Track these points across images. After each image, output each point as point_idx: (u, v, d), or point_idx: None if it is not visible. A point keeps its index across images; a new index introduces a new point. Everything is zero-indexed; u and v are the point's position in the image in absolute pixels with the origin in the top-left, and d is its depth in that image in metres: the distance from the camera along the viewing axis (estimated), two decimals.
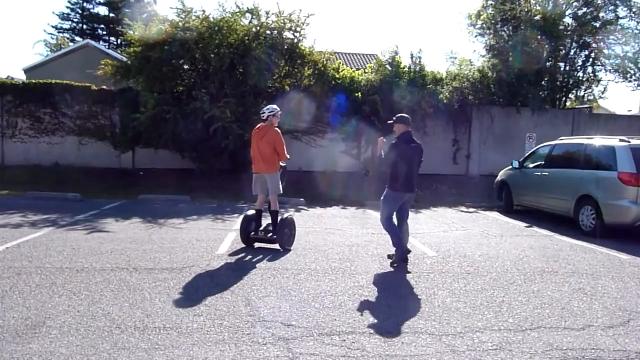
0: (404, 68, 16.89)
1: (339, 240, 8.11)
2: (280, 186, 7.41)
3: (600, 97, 23.80)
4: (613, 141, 9.28)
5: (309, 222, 9.81)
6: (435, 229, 9.47)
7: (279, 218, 7.31)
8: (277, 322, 4.47)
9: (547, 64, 19.33)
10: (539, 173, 10.85)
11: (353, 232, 8.83)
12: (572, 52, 20.36)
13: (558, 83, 20.18)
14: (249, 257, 6.84)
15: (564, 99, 20.91)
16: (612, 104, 76.64)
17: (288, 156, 7.43)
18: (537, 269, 6.62)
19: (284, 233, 7.25)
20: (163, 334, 4.11)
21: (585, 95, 23.12)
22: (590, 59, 20.50)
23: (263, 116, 7.33)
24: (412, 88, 16.18)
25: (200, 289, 5.34)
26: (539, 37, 18.76)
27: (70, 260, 6.32)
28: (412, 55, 17.27)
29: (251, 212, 7.58)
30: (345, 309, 4.88)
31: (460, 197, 13.76)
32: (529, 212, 11.54)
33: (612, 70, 20.57)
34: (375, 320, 4.60)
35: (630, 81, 20.52)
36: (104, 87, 15.67)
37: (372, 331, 4.33)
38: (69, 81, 15.71)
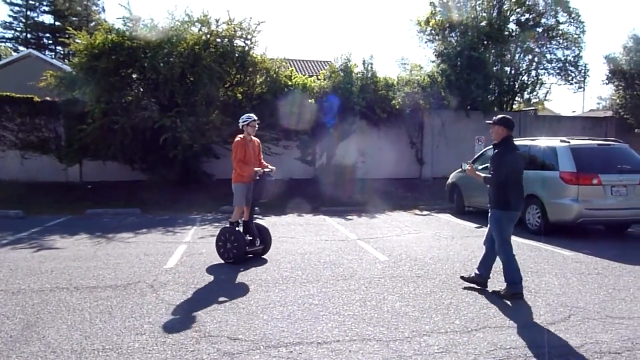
0: (356, 74, 17.06)
1: (292, 248, 8.06)
2: (242, 199, 7.15)
3: (545, 100, 24.79)
4: (555, 142, 9.61)
5: None
6: (389, 234, 9.54)
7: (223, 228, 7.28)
8: (223, 336, 4.37)
9: (494, 68, 19.95)
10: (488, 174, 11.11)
11: (306, 240, 8.79)
12: (517, 56, 21.11)
13: (505, 87, 20.84)
14: (199, 270, 6.68)
15: (511, 102, 21.60)
16: (557, 105, 79.88)
17: (257, 169, 7.05)
18: None
19: (221, 245, 7.12)
20: (102, 356, 3.94)
21: (531, 98, 23.98)
22: (534, 63, 21.35)
23: (240, 126, 7.17)
24: (365, 94, 16.37)
25: (144, 306, 5.16)
26: (485, 42, 19.37)
27: (6, 282, 6.01)
28: (364, 61, 17.48)
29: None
30: (294, 319, 4.82)
31: (415, 201, 13.95)
32: (480, 213, 11.77)
33: (554, 74, 21.45)
34: (324, 330, 4.55)
35: (572, 83, 21.46)
36: (48, 98, 15.10)
37: (320, 341, 4.29)
38: (9, 93, 15.05)
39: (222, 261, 7.08)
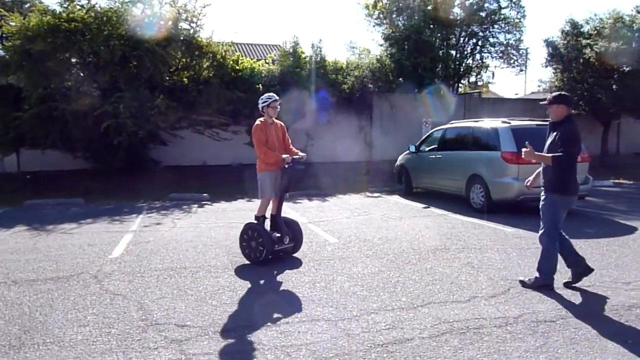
0: (305, 58, 16.98)
1: None
2: (269, 190, 6.29)
3: (489, 82, 25.56)
4: (497, 123, 9.93)
5: (212, 217, 9.59)
6: (339, 216, 9.63)
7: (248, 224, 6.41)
8: (170, 324, 4.31)
9: (440, 52, 20.35)
10: (434, 156, 11.40)
11: None
12: (461, 40, 21.56)
13: (451, 70, 21.29)
14: (146, 259, 6.54)
15: (457, 84, 22.11)
16: (500, 88, 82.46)
17: (284, 156, 6.14)
18: (431, 248, 6.95)
19: (245, 243, 6.33)
20: (42, 350, 3.81)
21: (477, 80, 24.67)
22: (478, 47, 21.86)
23: (259, 107, 6.36)
24: (315, 78, 16.34)
25: (88, 297, 5.01)
26: (431, 26, 19.69)
27: None
28: (313, 45, 17.44)
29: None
30: (244, 303, 4.81)
31: (365, 183, 14.12)
32: (427, 193, 12.11)
33: (497, 57, 22.10)
34: (274, 312, 4.57)
35: (513, 66, 22.23)
36: None
37: (269, 323, 4.30)
38: None
39: (174, 247, 6.96)
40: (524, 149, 5.35)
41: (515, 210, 9.49)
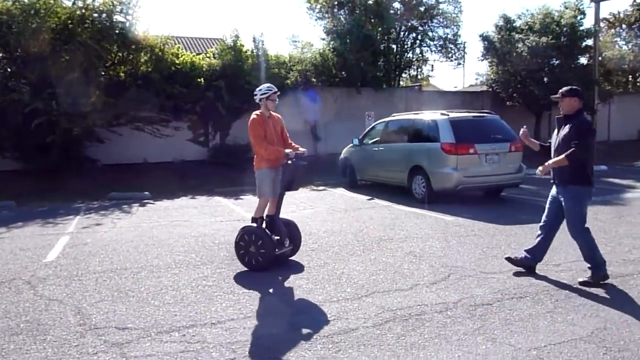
0: (246, 52, 16.79)
1: (186, 232, 7.85)
2: (268, 188, 5.81)
3: (429, 76, 26.22)
4: (436, 115, 10.21)
5: (154, 216, 9.35)
6: (285, 210, 9.51)
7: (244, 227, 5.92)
8: (110, 327, 4.17)
9: (382, 46, 20.66)
10: (377, 148, 11.59)
11: (201, 222, 8.60)
12: (402, 34, 21.98)
13: (392, 64, 21.67)
14: (83, 261, 6.29)
15: (398, 78, 22.54)
16: (440, 81, 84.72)
17: (287, 151, 5.79)
18: (375, 238, 7.08)
19: (243, 246, 5.75)
20: None
21: (417, 74, 25.26)
22: (418, 41, 22.37)
23: (256, 99, 5.88)
24: (257, 72, 16.19)
25: (21, 304, 4.76)
26: (372, 20, 19.95)
27: None
28: (254, 39, 17.24)
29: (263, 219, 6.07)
30: (187, 302, 4.73)
31: (310, 177, 14.15)
32: (371, 185, 12.30)
33: (436, 51, 22.69)
34: (219, 310, 4.52)
35: (452, 60, 22.89)
36: None
37: (214, 321, 4.25)
38: None
39: (113, 248, 6.73)
40: (521, 131, 5.64)
41: (454, 199, 9.81)
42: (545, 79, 19.15)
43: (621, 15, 29.06)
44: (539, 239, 5.41)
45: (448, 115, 9.94)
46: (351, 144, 12.74)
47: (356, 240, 7.00)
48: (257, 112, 5.89)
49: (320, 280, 5.30)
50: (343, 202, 10.53)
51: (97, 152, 14.80)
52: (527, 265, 5.40)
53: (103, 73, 13.99)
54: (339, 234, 7.47)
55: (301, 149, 6.02)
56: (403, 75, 24.31)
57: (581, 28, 19.63)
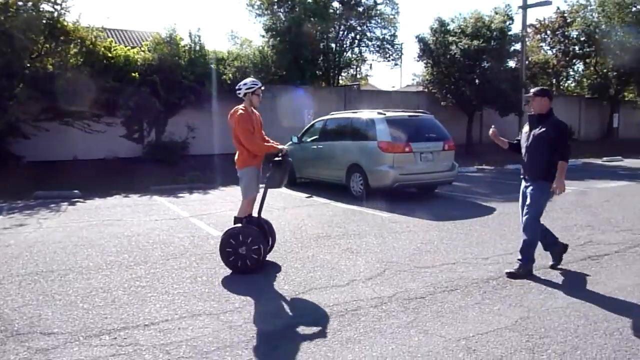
0: (184, 47, 16.42)
1: (118, 231, 7.57)
2: (255, 187, 5.66)
3: (367, 75, 26.66)
4: (373, 114, 10.40)
5: (85, 215, 8.94)
6: (222, 209, 9.49)
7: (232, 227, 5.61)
8: (35, 332, 3.96)
9: (321, 44, 20.80)
10: (315, 146, 11.65)
11: (135, 222, 8.32)
12: (341, 34, 22.22)
13: (331, 62, 21.87)
14: (6, 264, 5.92)
15: (337, 77, 22.76)
16: (379, 81, 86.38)
17: (281, 147, 5.74)
18: (313, 236, 7.13)
19: (230, 251, 5.41)
20: None
21: (356, 73, 25.63)
22: (357, 41, 22.69)
23: (239, 93, 5.59)
24: (194, 67, 15.87)
25: None
26: (312, 19, 20.02)
27: None
28: (190, 34, 16.88)
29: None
30: (119, 304, 4.57)
31: None
32: (311, 183, 12.35)
33: (374, 51, 23.11)
34: (152, 311, 4.39)
35: (389, 60, 23.37)
36: None
37: (147, 323, 4.13)
38: None
39: (34, 250, 6.38)
40: (491, 131, 5.82)
41: (391, 196, 10.03)
42: (477, 81, 19.98)
43: (546, 22, 30.83)
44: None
45: (385, 114, 10.15)
46: (290, 142, 12.72)
47: (294, 238, 7.02)
48: (241, 106, 5.60)
49: (257, 278, 5.28)
50: (282, 199, 10.52)
51: (22, 148, 13.99)
52: (557, 253, 5.56)
53: (28, 65, 13.22)
54: (276, 232, 7.43)
55: (280, 146, 5.87)
56: (342, 74, 24.60)
57: (510, 33, 20.62)
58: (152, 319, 4.22)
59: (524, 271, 5.25)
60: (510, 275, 5.23)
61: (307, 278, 5.25)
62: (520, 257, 5.30)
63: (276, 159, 5.65)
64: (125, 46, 16.38)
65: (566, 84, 33.29)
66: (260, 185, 5.81)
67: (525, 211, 5.36)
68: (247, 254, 5.38)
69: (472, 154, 19.19)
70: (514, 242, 6.60)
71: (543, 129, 5.25)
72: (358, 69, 24.76)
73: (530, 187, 5.35)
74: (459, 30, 20.63)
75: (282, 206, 9.67)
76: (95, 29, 14.51)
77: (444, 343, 3.73)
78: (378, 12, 22.57)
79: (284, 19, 20.25)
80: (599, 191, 11.19)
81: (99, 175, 13.20)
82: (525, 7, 21.08)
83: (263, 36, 20.86)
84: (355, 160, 10.20)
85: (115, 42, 16.12)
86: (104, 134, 14.90)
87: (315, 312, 4.33)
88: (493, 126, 5.89)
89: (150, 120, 15.90)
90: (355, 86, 23.26)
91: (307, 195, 10.93)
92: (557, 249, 5.59)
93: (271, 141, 5.93)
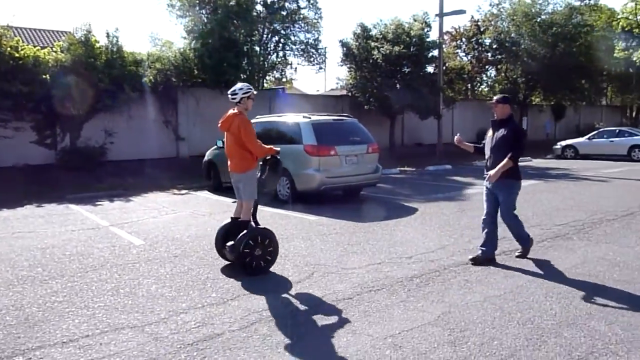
0: (100, 48, 15.65)
1: (31, 244, 7.09)
2: (256, 189, 5.71)
3: (292, 79, 26.76)
4: (299, 118, 10.47)
5: None
6: (145, 216, 9.16)
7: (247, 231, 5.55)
8: None
9: (245, 47, 20.61)
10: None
11: (49, 233, 7.83)
12: (265, 37, 22.15)
13: (256, 66, 21.74)
14: None
15: (262, 80, 22.66)
16: (304, 84, 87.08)
17: (277, 149, 5.90)
18: None
19: (246, 251, 5.41)
20: None
21: (281, 76, 25.65)
22: (281, 44, 22.71)
23: (234, 98, 5.57)
24: (111, 69, 15.17)
25: None
26: (234, 21, 19.81)
27: None
28: (108, 34, 16.11)
29: (227, 221, 5.98)
30: (33, 322, 4.28)
31: (173, 181, 13.65)
32: None
33: (298, 55, 23.25)
34: (71, 327, 4.16)
35: (313, 64, 23.59)
36: None
37: (65, 340, 3.91)
38: None
39: None
40: (456, 138, 6.43)
41: (317, 199, 10.14)
42: (398, 85, 20.65)
43: (461, 29, 32.49)
44: (486, 231, 5.99)
45: (310, 118, 10.25)
46: (215, 146, 12.53)
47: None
48: (235, 110, 5.63)
49: (184, 287, 5.15)
50: (208, 205, 10.33)
51: None
52: (490, 258, 5.92)
53: None
54: (203, 238, 7.32)
55: (276, 148, 6.07)
56: (267, 77, 24.53)
57: (428, 40, 21.50)
58: (71, 335, 4.00)
59: (526, 249, 6.06)
60: (519, 256, 6.03)
61: (235, 285, 5.19)
62: (520, 242, 6.06)
63: (272, 159, 5.83)
64: (35, 46, 15.36)
65: (480, 89, 35.23)
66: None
67: (500, 212, 5.99)
68: (262, 255, 5.53)
69: (395, 156, 19.79)
70: (435, 241, 6.91)
71: (504, 132, 5.82)
72: (283, 73, 24.80)
73: (497, 188, 5.91)
74: (381, 36, 21.24)
75: (208, 212, 9.49)
76: (0, 27, 13.51)
77: (371, 342, 3.83)
78: (301, 16, 22.73)
79: (206, 20, 19.86)
80: None
81: (8, 184, 12.29)
82: (441, 15, 22.07)
83: (185, 38, 20.35)
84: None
85: (24, 42, 15.08)
86: (12, 140, 13.91)
87: (244, 318, 4.30)
88: (458, 134, 6.48)
89: (64, 124, 15.01)
90: (280, 90, 23.27)
91: (233, 200, 10.72)
92: (490, 255, 6.00)
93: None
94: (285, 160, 10.02)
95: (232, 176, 5.83)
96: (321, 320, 4.24)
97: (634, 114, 43.60)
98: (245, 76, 20.89)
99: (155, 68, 17.00)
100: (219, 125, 5.75)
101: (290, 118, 10.84)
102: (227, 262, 5.95)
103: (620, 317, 4.22)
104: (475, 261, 5.83)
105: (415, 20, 21.79)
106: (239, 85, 5.73)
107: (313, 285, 5.12)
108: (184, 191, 12.43)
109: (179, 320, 4.29)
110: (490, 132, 6.06)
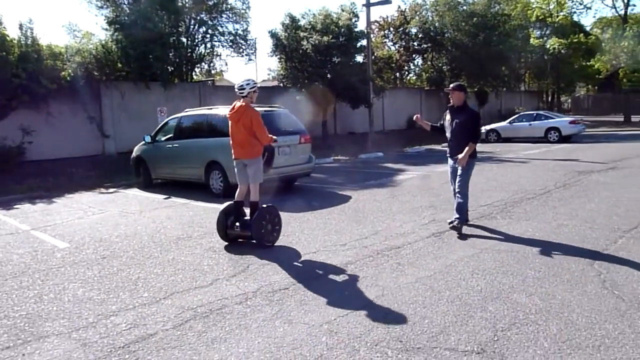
0: (12, 40, 14.65)
1: None
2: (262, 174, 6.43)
3: (222, 71, 26.30)
4: (229, 110, 10.27)
5: None
6: (70, 217, 8.72)
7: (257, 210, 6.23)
8: None
9: (171, 39, 19.98)
10: (171, 145, 11.22)
11: None
12: (192, 28, 21.57)
13: (183, 58, 21.16)
14: None
15: (190, 72, 22.10)
16: (235, 76, 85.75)
17: (275, 138, 6.57)
18: (173, 238, 6.89)
19: (261, 226, 6.20)
20: None
21: (210, 68, 25.12)
22: (209, 35, 22.21)
23: (242, 92, 6.26)
24: (26, 64, 14.25)
25: None
26: (159, 12, 19.13)
27: None
28: (21, 25, 15.11)
29: (229, 203, 6.58)
30: None
31: (99, 179, 13.06)
32: (168, 184, 11.91)
33: (227, 46, 22.85)
34: None
35: (243, 55, 23.26)
36: None
37: None
38: None
39: None
40: (415, 116, 7.18)
41: None
42: (329, 75, 20.79)
43: (389, 19, 33.14)
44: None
45: None
46: (142, 142, 12.11)
47: (153, 242, 6.71)
48: (242, 103, 6.32)
49: (114, 288, 4.96)
50: (137, 203, 9.98)
51: None
52: (465, 221, 6.69)
53: None
54: (133, 237, 7.06)
55: (274, 137, 6.70)
56: (196, 69, 23.95)
57: (356, 30, 21.76)
58: None
59: (461, 225, 6.48)
60: (453, 227, 6.48)
61: (168, 282, 5.07)
62: (457, 215, 6.49)
63: (272, 146, 6.63)
64: None
65: (408, 77, 36.20)
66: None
67: (457, 183, 6.68)
68: (271, 230, 6.34)
69: (328, 146, 19.96)
70: (368, 227, 7.05)
71: (464, 118, 6.55)
72: (212, 64, 24.30)
73: (456, 164, 6.69)
74: (310, 26, 21.25)
75: (138, 210, 9.17)
76: None
77: (307, 330, 3.86)
78: (229, 6, 22.33)
79: (128, 11, 19.06)
80: (439, 174, 12.37)
81: None
82: (368, 5, 22.38)
83: (106, 29, 19.40)
84: (213, 157, 10.03)
85: None
86: None
87: (178, 316, 4.20)
88: (417, 115, 7.28)
89: None
90: (210, 82, 22.80)
91: (164, 196, 10.50)
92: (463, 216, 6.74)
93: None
94: (217, 153, 9.95)
95: (238, 162, 6.48)
96: (257, 312, 4.22)
97: (549, 98, 46.49)
98: (172, 68, 20.32)
99: (75, 61, 16.13)
100: (228, 115, 6.48)
101: (220, 110, 10.63)
102: (157, 260, 5.79)
103: (539, 289, 4.50)
104: (455, 227, 6.49)
105: (343, 11, 21.96)
106: (245, 80, 6.37)
107: (249, 278, 5.09)
108: (111, 190, 11.93)
109: (109, 323, 4.13)
110: (448, 117, 6.79)
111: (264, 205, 6.36)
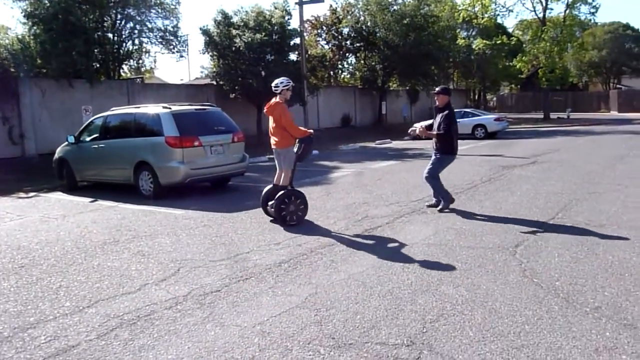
0: None
1: None
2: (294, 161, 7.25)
3: (152, 68, 25.45)
4: (158, 109, 9.97)
5: None
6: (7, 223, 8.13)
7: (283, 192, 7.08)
8: None
9: (96, 34, 19.11)
10: (97, 146, 10.71)
11: None
12: (118, 23, 20.73)
13: (109, 54, 20.29)
14: None
15: (117, 69, 21.23)
16: (166, 74, 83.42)
17: (311, 130, 7.49)
18: (99, 243, 6.57)
19: (281, 208, 6.97)
20: None
21: (139, 65, 24.24)
22: (136, 31, 21.43)
23: (277, 90, 7.11)
24: None
25: None
26: (82, 5, 18.22)
27: None
28: None
29: (269, 187, 7.54)
30: None
31: (18, 183, 12.27)
32: (94, 186, 11.37)
33: (157, 43, 22.15)
34: None
35: (173, 52, 22.62)
36: None
37: None
38: None
39: None
40: (418, 130, 8.22)
41: (184, 192, 9.81)
42: (263, 73, 20.60)
43: (321, 18, 33.35)
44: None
45: (170, 108, 9.81)
46: (66, 142, 11.49)
47: (77, 248, 6.37)
48: (278, 99, 7.14)
49: (32, 299, 4.66)
50: (60, 207, 9.45)
51: None
52: (451, 200, 7.64)
53: None
54: (55, 243, 6.68)
55: (309, 130, 7.60)
56: (124, 66, 23.05)
57: (289, 28, 21.73)
58: None
59: (446, 205, 7.51)
60: (440, 210, 7.44)
61: (93, 290, 4.82)
62: (439, 197, 7.60)
63: (307, 139, 7.26)
64: None
65: (342, 76, 36.61)
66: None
67: (427, 168, 7.71)
68: (295, 210, 7.08)
69: (262, 145, 19.79)
70: (304, 226, 7.05)
71: (442, 117, 7.46)
72: (141, 61, 23.45)
73: (437, 156, 7.66)
74: (242, 24, 21.00)
75: (61, 214, 8.68)
76: None
77: (240, 332, 3.80)
78: (158, 1, 21.62)
79: (48, 4, 17.98)
80: (372, 171, 12.61)
81: None
82: (301, 3, 22.43)
83: (24, 23, 18.24)
84: (142, 157, 9.68)
85: None
86: None
87: (102, 325, 4.00)
88: (419, 127, 8.34)
89: None
90: (138, 79, 22.00)
91: (90, 199, 9.99)
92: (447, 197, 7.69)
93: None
94: (146, 153, 9.62)
95: (275, 151, 7.38)
96: (187, 316, 4.10)
97: (476, 96, 48.60)
98: (98, 65, 19.43)
99: None
100: (265, 110, 7.33)
101: (149, 109, 10.30)
102: (81, 267, 5.50)
103: (465, 280, 4.68)
104: (440, 209, 7.47)
105: (275, 8, 21.87)
106: (280, 79, 7.22)
107: (179, 282, 4.94)
108: (32, 194, 11.22)
109: (26, 336, 3.87)
110: (436, 117, 7.72)
111: (288, 189, 7.18)
